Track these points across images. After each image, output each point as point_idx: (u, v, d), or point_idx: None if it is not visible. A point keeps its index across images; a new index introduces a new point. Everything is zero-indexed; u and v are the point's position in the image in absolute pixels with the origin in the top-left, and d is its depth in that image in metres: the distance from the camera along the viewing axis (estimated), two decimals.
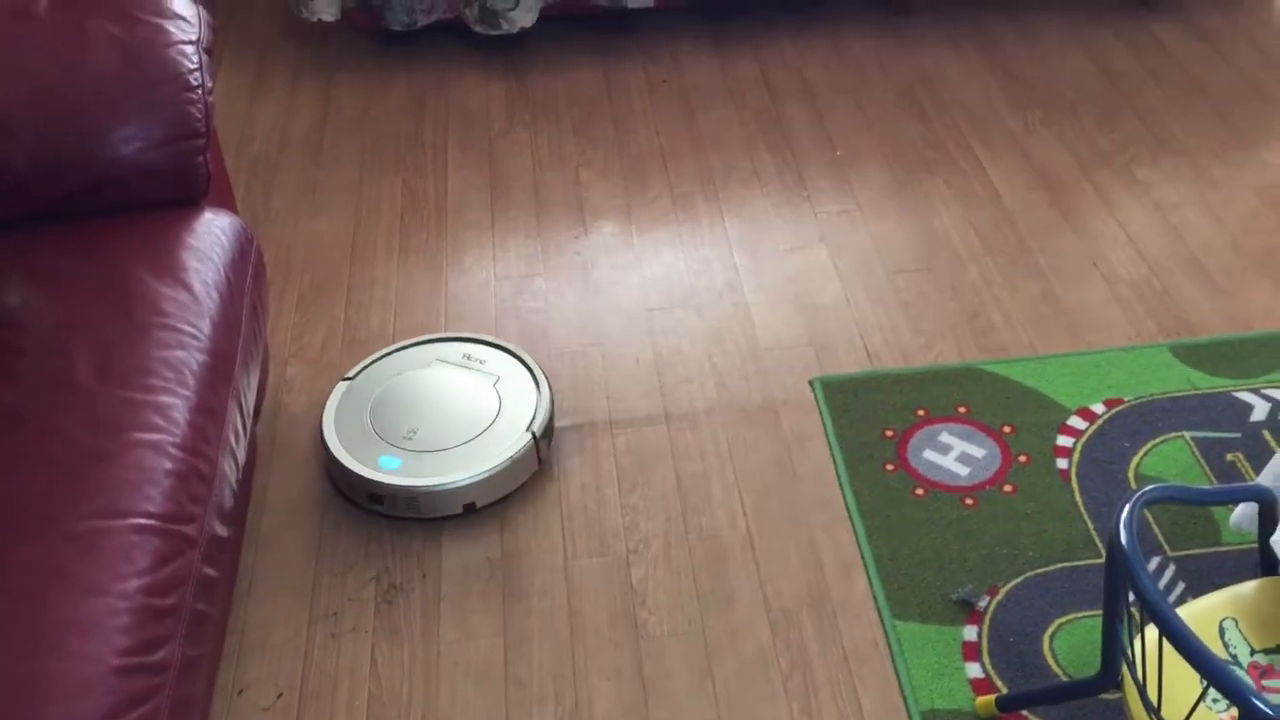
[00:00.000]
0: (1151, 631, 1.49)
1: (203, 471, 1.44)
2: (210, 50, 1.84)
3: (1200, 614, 1.54)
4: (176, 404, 1.46)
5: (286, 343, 2.40)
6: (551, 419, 2.09)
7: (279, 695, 1.78)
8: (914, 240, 2.56)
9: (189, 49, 1.76)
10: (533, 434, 2.02)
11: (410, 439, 2.01)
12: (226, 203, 1.94)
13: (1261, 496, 1.56)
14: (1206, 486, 1.96)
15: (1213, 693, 1.43)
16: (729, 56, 3.19)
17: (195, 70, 1.75)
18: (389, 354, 2.20)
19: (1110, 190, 2.66)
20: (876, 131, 2.89)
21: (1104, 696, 1.70)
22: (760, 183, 2.75)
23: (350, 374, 2.16)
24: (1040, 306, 2.38)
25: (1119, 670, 1.49)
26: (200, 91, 1.76)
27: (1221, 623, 1.53)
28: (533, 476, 2.07)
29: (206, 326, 1.59)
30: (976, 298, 2.41)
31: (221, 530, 1.45)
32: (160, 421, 1.43)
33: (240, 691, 1.78)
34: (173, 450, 1.41)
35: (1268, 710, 1.20)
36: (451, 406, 2.07)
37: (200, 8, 1.86)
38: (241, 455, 1.59)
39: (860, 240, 2.57)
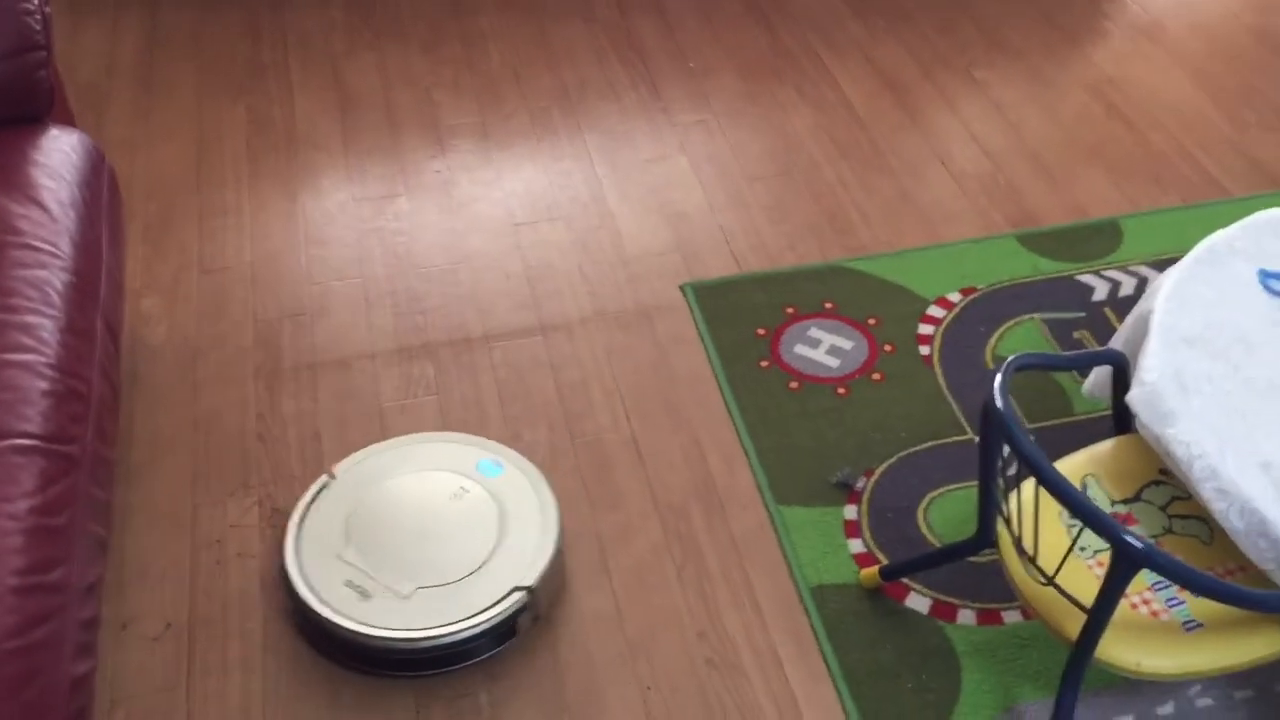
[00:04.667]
0: (1023, 491, 1.58)
1: (80, 391, 1.38)
2: None
3: (1064, 472, 1.65)
4: (45, 324, 1.39)
5: (137, 274, 2.30)
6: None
7: (167, 625, 1.73)
8: (770, 146, 2.61)
9: None
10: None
11: (463, 494, 1.78)
12: (69, 122, 1.84)
13: (1115, 360, 1.66)
14: (1068, 353, 2.07)
15: (1081, 542, 1.54)
16: None
17: None
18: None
19: (952, 91, 2.76)
20: (726, 42, 2.91)
21: (975, 561, 1.80)
22: (616, 96, 2.75)
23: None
24: (895, 204, 2.46)
25: (994, 530, 1.58)
26: (37, 1, 1.65)
27: (1084, 479, 1.64)
28: (409, 406, 2.06)
29: (67, 245, 1.51)
30: (834, 199, 2.47)
31: (105, 452, 1.39)
32: (30, 342, 1.36)
33: (125, 625, 1.72)
34: (47, 370, 1.35)
35: (1136, 543, 1.30)
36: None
37: None
38: (115, 379, 1.53)
39: (718, 148, 2.61)
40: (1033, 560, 1.48)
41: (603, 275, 2.31)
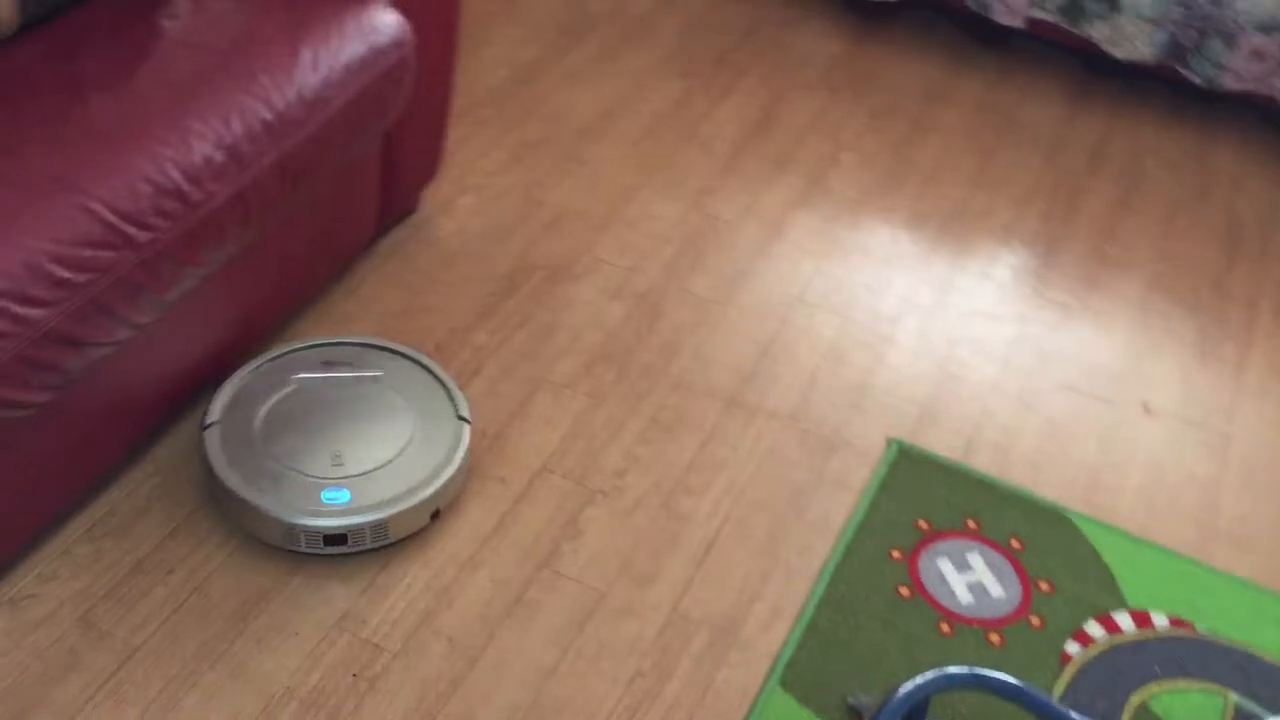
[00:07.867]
0: None
1: (191, 198, 1.56)
2: None
3: None
4: (205, 133, 1.59)
5: (477, 174, 2.51)
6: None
7: None
8: (1114, 367, 2.25)
9: None
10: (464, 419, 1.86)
11: (339, 464, 1.76)
12: (428, 8, 2.03)
13: None
14: None
15: None
16: (1081, 106, 2.91)
17: None
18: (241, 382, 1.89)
19: None
20: (1168, 247, 2.53)
21: None
22: (1003, 239, 2.51)
23: (210, 420, 1.80)
24: (1189, 491, 2.03)
25: None
26: None
27: None
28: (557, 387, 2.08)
29: (290, 93, 1.70)
30: (1126, 453, 2.09)
31: (183, 255, 1.56)
32: (174, 139, 1.55)
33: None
34: (169, 166, 1.53)
35: None
36: (355, 418, 1.84)
37: None
38: (258, 210, 1.68)
39: (1057, 340, 2.30)
40: None
41: (828, 389, 2.15)
